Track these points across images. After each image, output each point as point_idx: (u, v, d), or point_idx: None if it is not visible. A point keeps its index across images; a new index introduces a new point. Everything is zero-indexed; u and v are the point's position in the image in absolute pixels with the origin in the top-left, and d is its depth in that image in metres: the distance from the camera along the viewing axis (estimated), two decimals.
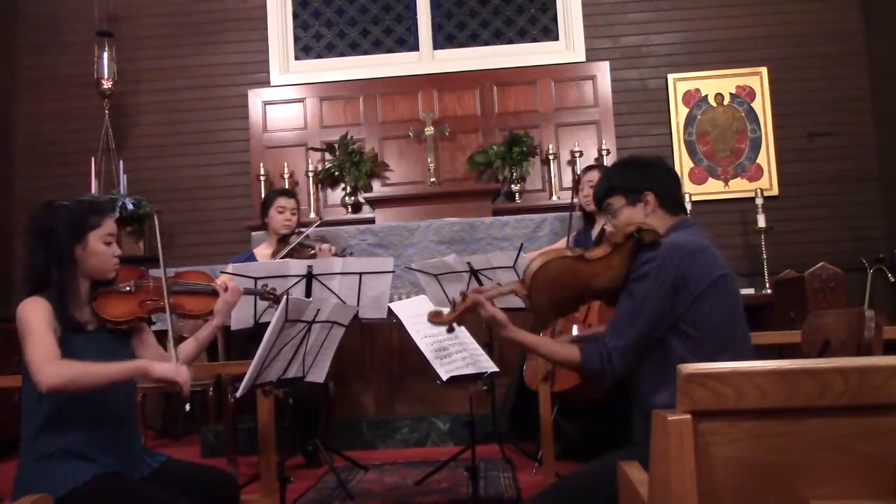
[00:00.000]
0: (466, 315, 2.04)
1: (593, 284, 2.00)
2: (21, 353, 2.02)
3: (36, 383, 1.94)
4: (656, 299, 1.90)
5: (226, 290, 2.34)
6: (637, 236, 1.96)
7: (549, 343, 2.14)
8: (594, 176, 3.90)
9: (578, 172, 5.78)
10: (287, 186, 5.92)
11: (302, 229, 4.20)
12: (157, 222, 2.51)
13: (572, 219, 4.17)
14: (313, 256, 3.90)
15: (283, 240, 4.08)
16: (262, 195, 5.35)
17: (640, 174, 2.09)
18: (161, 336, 2.32)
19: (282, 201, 4.11)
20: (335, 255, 3.97)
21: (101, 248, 2.14)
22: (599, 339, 1.98)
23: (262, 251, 4.12)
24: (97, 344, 2.13)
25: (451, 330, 2.10)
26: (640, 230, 1.97)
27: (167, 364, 2.08)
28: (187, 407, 1.94)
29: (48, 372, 1.93)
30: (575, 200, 4.24)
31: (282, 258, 3.80)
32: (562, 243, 4.18)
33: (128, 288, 2.20)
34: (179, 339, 2.43)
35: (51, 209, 2.14)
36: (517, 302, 3.09)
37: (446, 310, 2.07)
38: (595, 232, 3.93)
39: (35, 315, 2.02)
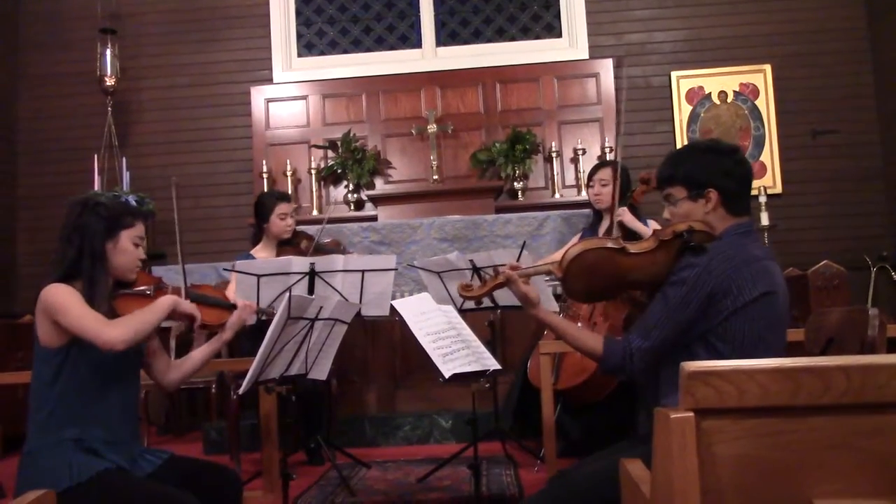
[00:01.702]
0: (496, 291, 2.07)
1: (631, 277, 1.96)
2: (28, 346, 2.10)
3: (105, 344, 2.00)
4: (689, 308, 1.84)
5: (241, 306, 2.41)
6: (686, 237, 1.89)
7: (574, 329, 2.09)
8: (605, 174, 3.89)
9: (582, 170, 5.79)
10: (290, 184, 5.93)
11: (304, 228, 4.20)
12: (178, 232, 2.47)
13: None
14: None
15: (283, 244, 4.05)
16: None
17: (708, 166, 1.95)
18: (164, 334, 2.35)
19: (283, 207, 4.03)
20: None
21: (131, 247, 2.22)
22: (624, 337, 1.96)
23: (261, 254, 4.09)
24: None
25: (479, 304, 2.13)
26: (691, 230, 1.90)
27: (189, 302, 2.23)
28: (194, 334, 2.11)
29: (114, 332, 2.02)
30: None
31: None
32: (574, 240, 4.19)
33: (147, 291, 2.27)
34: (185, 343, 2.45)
35: (90, 204, 2.22)
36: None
37: (477, 283, 2.09)
38: (602, 230, 3.93)
39: (68, 293, 2.08)
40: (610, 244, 1.95)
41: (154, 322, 2.13)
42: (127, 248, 2.21)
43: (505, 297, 3.44)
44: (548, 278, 3.61)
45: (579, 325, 3.46)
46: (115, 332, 2.02)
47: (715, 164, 1.95)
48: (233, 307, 2.41)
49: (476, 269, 3.40)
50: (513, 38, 6.45)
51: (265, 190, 5.74)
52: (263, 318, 2.58)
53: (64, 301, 2.05)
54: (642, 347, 1.90)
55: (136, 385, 2.30)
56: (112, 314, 2.19)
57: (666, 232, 1.94)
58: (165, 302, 2.18)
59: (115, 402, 2.14)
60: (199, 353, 2.42)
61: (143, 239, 2.28)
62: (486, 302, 3.48)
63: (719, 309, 1.83)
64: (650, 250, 1.93)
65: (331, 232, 4.56)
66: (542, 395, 3.21)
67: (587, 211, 4.44)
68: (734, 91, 6.08)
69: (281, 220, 4.02)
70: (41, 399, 2.09)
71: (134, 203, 5.73)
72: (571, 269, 1.93)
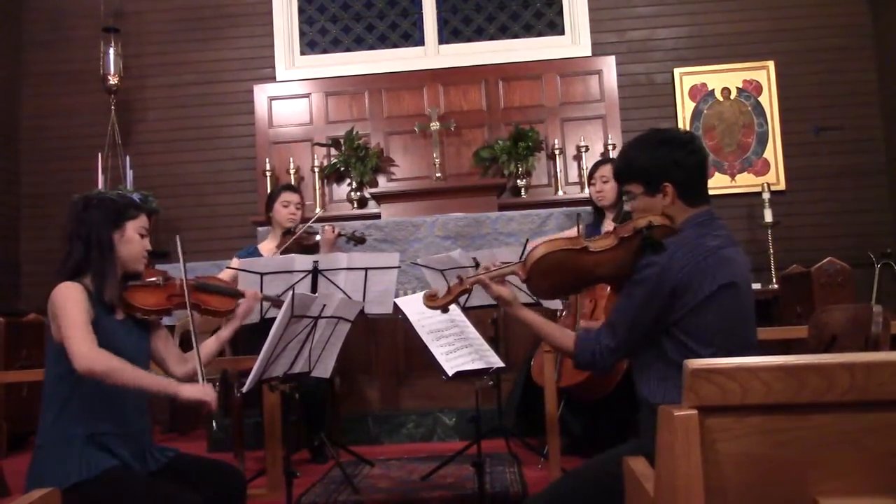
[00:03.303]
0: (461, 297, 2.12)
1: (595, 273, 2.00)
2: (48, 338, 2.10)
3: (76, 362, 1.98)
4: (652, 306, 1.87)
5: (248, 295, 2.46)
6: (645, 233, 1.91)
7: (550, 326, 2.13)
8: (606, 171, 3.87)
9: (585, 167, 5.78)
10: (293, 182, 5.94)
11: (310, 224, 4.22)
12: (180, 249, 2.42)
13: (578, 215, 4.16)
14: (316, 243, 3.93)
15: (287, 233, 4.10)
16: (269, 190, 5.37)
17: (660, 159, 1.95)
18: (167, 330, 2.38)
19: (286, 195, 4.13)
20: (337, 234, 3.98)
21: (137, 237, 2.25)
22: (595, 333, 1.98)
23: (267, 245, 4.14)
24: (125, 330, 2.21)
25: (444, 311, 2.16)
26: (651, 226, 1.92)
27: (195, 386, 2.14)
28: (214, 424, 2.03)
29: (93, 356, 1.99)
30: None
31: (285, 248, 3.83)
32: (572, 232, 4.17)
33: (157, 281, 2.30)
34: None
35: (92, 200, 2.25)
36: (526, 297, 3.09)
37: (443, 291, 2.12)
38: (605, 228, 3.92)
39: (72, 298, 2.08)
40: (571, 244, 1.97)
41: (131, 382, 2.03)
42: (133, 237, 2.23)
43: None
44: None
45: (581, 322, 3.46)
46: (94, 356, 1.98)
47: (666, 157, 1.96)
48: (240, 295, 2.45)
49: (479, 267, 3.39)
50: (515, 36, 6.44)
51: (269, 187, 5.76)
52: (269, 307, 2.58)
53: (64, 303, 2.07)
54: (610, 346, 1.94)
55: None
56: (123, 307, 2.22)
57: (626, 228, 1.97)
58: (163, 384, 2.12)
59: (128, 396, 2.15)
60: (213, 342, 2.43)
61: (148, 230, 2.29)
62: (488, 299, 3.48)
63: (681, 304, 1.85)
64: (611, 248, 1.96)
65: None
66: (545, 392, 3.21)
67: (590, 208, 4.44)
68: (737, 88, 6.07)
69: (284, 208, 4.10)
70: (54, 394, 2.11)
71: (138, 199, 5.75)
72: (535, 270, 1.97)
